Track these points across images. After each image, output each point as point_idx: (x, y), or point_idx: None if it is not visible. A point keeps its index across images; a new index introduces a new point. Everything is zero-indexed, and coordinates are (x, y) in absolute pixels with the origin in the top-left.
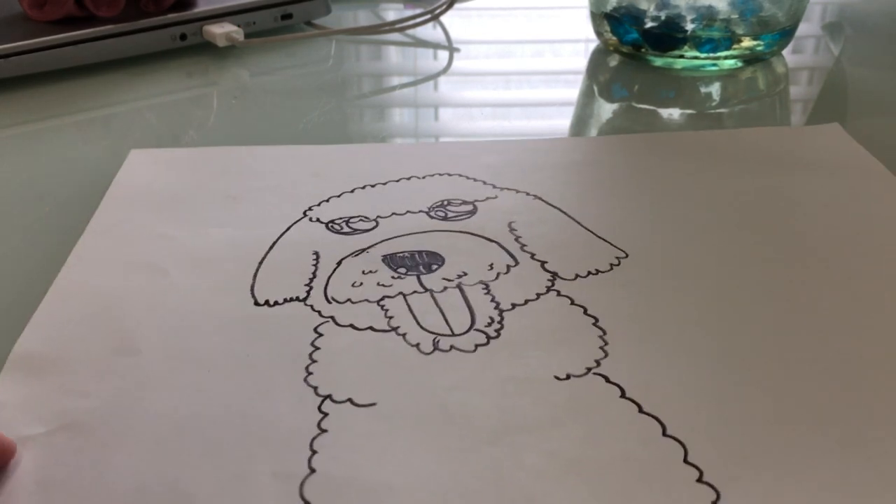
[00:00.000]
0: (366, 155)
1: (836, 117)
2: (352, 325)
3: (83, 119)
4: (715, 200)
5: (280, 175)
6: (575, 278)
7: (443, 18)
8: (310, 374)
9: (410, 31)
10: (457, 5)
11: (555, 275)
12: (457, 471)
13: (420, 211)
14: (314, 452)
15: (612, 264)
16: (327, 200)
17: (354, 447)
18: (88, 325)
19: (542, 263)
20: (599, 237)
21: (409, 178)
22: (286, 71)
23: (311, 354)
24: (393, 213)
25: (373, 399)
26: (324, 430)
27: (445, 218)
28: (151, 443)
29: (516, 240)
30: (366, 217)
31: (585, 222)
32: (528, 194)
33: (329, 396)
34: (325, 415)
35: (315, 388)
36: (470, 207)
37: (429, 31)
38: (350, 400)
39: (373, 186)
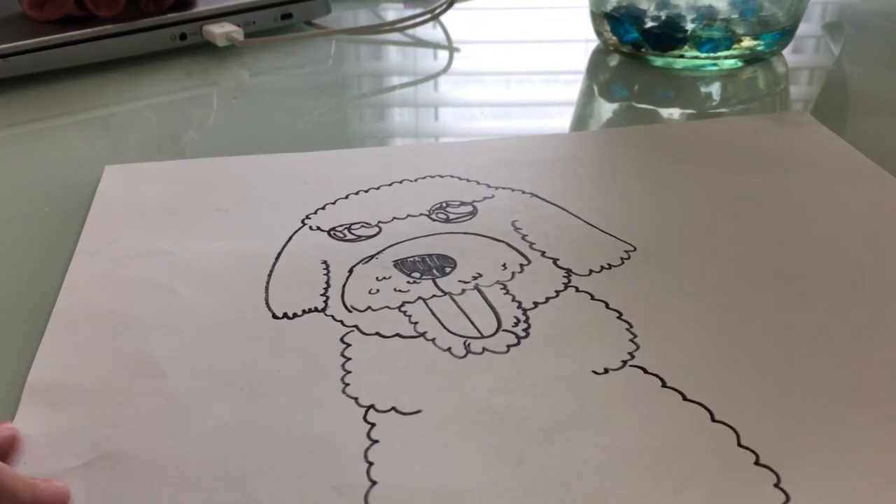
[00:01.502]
0: (352, 160)
1: (836, 117)
2: (378, 333)
3: (83, 119)
4: (704, 190)
5: (267, 185)
6: (589, 274)
7: (443, 18)
8: (347, 385)
9: (410, 31)
10: (457, 5)
11: (569, 271)
12: (519, 472)
13: (420, 214)
14: (371, 464)
15: (622, 258)
16: (323, 208)
17: (410, 455)
18: (102, 350)
19: (554, 260)
20: (604, 231)
21: (401, 182)
22: (286, 71)
23: (343, 365)
24: (394, 218)
25: (417, 406)
26: (375, 441)
27: (447, 220)
28: (198, 466)
29: (523, 238)
30: (367, 223)
31: (586, 217)
32: (523, 192)
33: (372, 406)
34: (373, 425)
35: (356, 399)
36: (470, 208)
37: (429, 31)
38: (394, 409)
39: (366, 192)
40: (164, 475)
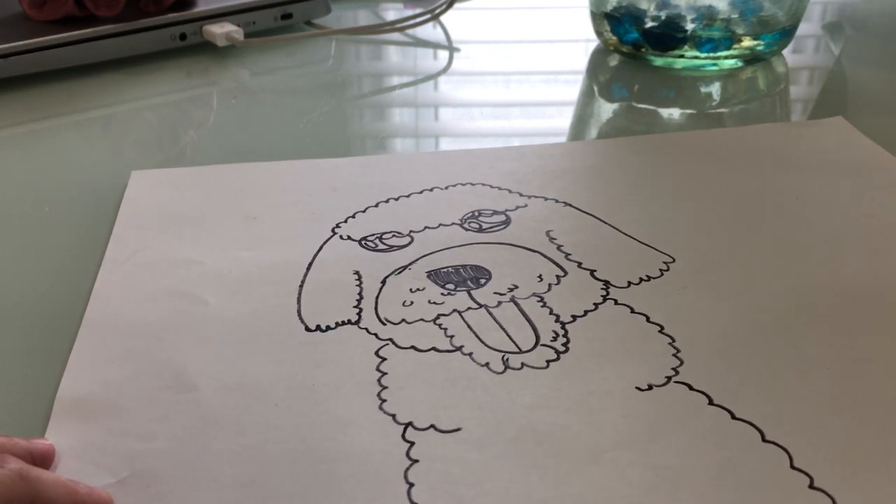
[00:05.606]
0: (381, 167)
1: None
2: (413, 347)
3: (83, 119)
4: (742, 198)
5: (296, 192)
6: (628, 286)
7: (443, 18)
8: (383, 401)
9: (410, 31)
10: (457, 5)
11: (607, 283)
12: (565, 493)
13: (453, 223)
14: (411, 485)
15: (661, 270)
16: (353, 216)
17: (451, 476)
18: (134, 362)
19: (592, 272)
20: (642, 242)
21: (431, 190)
22: (286, 71)
23: (379, 380)
24: (426, 227)
25: (456, 424)
26: (415, 461)
27: (480, 229)
28: (235, 486)
29: (558, 249)
30: (399, 232)
31: (622, 227)
32: (556, 201)
33: (410, 424)
34: (412, 444)
35: (393, 416)
36: (503, 217)
37: (429, 31)
38: (433, 426)
39: (396, 199)
40: (196, 498)
